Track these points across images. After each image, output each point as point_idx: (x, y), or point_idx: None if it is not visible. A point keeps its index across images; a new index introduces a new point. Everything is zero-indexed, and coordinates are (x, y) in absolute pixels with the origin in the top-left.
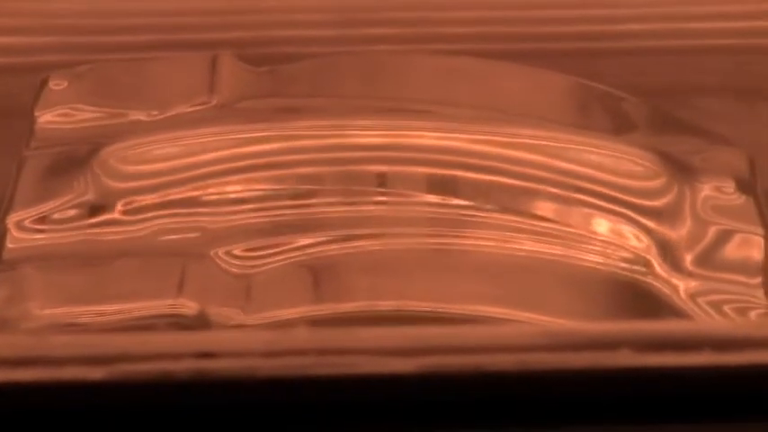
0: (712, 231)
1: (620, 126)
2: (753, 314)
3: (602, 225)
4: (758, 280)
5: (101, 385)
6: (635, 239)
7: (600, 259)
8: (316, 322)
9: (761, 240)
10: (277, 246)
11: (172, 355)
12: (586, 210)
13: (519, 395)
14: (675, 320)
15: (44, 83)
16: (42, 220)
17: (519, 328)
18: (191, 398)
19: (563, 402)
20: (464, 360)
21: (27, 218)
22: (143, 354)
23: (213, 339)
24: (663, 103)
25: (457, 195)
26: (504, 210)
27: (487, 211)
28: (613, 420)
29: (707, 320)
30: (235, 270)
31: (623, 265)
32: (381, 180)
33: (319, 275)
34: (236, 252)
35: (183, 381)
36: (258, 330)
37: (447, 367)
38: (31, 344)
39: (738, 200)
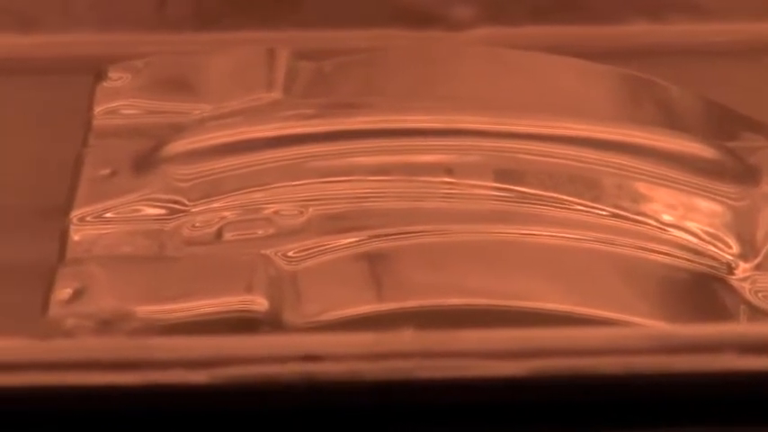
0: None
1: (677, 120)
2: None
3: (669, 219)
4: None
5: (204, 389)
6: (703, 234)
7: (670, 254)
8: (382, 319)
9: None
10: (343, 241)
11: (277, 358)
12: (653, 204)
13: (624, 398)
14: None
15: (100, 77)
16: (106, 216)
17: (626, 331)
18: (295, 401)
19: (666, 405)
20: (571, 363)
21: (90, 214)
22: (247, 357)
23: (317, 342)
24: None
25: (522, 186)
26: (573, 203)
27: (554, 203)
28: (717, 423)
29: None
30: (301, 266)
31: (694, 260)
32: (447, 171)
33: (381, 271)
34: (302, 248)
35: (288, 384)
36: (363, 332)
37: (554, 370)
38: (134, 347)
39: None
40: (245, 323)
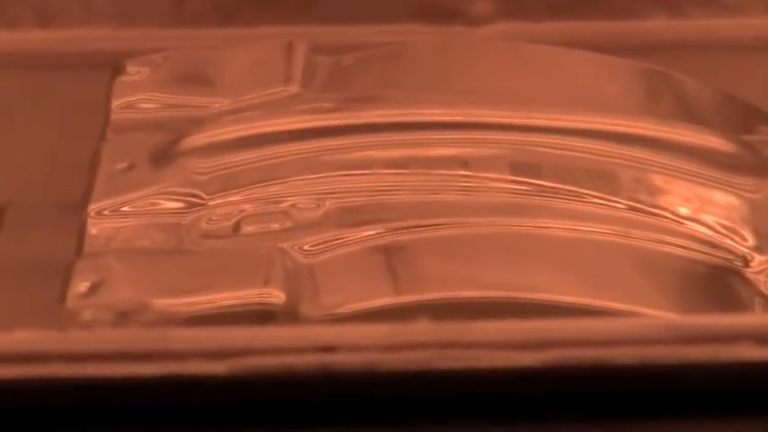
0: None
1: (694, 113)
2: None
3: (686, 212)
4: None
5: (222, 380)
6: (719, 227)
7: (686, 247)
8: (399, 312)
9: None
10: (360, 234)
11: (294, 348)
12: (670, 197)
13: (639, 389)
14: None
15: (118, 71)
16: (123, 210)
17: (640, 321)
18: (312, 392)
19: (681, 396)
20: (586, 354)
21: (107, 208)
22: (265, 348)
23: (334, 333)
24: None
25: (539, 179)
26: (590, 196)
27: (571, 196)
28: (733, 413)
29: None
30: (318, 259)
31: (710, 253)
32: (463, 164)
33: (398, 264)
34: (319, 241)
35: (305, 375)
36: (378, 323)
37: (570, 361)
38: (152, 338)
39: None
40: (262, 316)
